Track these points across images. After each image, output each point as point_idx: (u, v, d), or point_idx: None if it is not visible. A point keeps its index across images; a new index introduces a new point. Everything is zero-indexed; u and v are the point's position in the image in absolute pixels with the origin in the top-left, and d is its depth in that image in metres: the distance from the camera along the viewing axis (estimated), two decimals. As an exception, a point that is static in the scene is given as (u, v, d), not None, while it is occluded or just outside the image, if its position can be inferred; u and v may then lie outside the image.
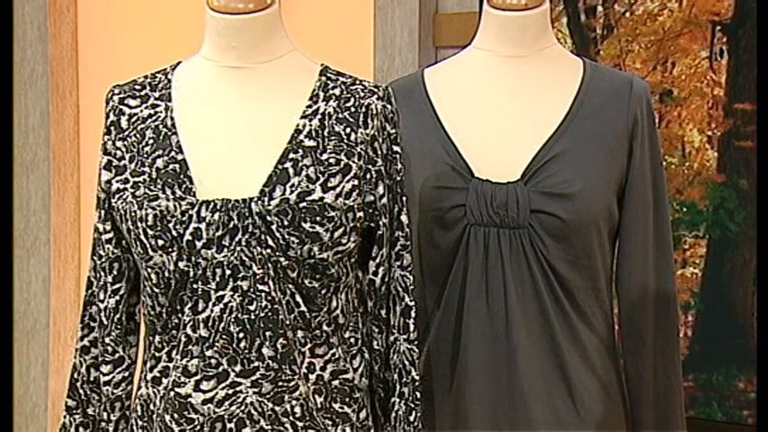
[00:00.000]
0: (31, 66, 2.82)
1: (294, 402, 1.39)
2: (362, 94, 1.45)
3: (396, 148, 1.46)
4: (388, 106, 1.46)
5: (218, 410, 1.37)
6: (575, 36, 2.20)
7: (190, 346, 1.38)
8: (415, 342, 1.47)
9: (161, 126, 1.44)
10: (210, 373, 1.37)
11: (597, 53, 2.17)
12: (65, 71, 2.83)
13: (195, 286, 1.38)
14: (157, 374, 1.43)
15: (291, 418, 1.39)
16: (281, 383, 1.38)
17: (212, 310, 1.37)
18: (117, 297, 1.48)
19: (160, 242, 1.37)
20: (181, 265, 1.37)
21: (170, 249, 1.37)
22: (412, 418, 1.46)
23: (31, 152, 2.84)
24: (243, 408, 1.37)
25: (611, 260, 1.64)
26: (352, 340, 1.46)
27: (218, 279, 1.37)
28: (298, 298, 1.39)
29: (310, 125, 1.43)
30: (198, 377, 1.38)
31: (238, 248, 1.37)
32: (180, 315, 1.40)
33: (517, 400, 1.56)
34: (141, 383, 1.46)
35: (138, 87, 1.49)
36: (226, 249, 1.37)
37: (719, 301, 2.08)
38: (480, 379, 1.57)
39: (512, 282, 1.55)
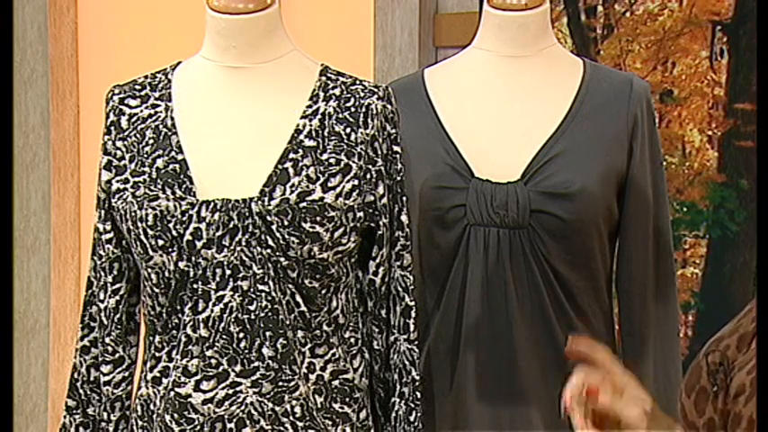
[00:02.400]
0: (31, 66, 2.82)
1: (294, 402, 1.39)
2: (362, 94, 1.45)
3: (396, 148, 1.46)
4: (389, 106, 1.46)
5: (219, 410, 1.37)
6: (575, 36, 2.20)
7: (190, 346, 1.38)
8: (415, 342, 1.47)
9: (161, 126, 1.44)
10: (210, 373, 1.37)
11: (597, 53, 2.16)
12: (65, 71, 2.82)
13: (195, 286, 1.38)
14: (157, 374, 1.42)
15: (291, 418, 1.39)
16: (281, 383, 1.38)
17: (212, 310, 1.37)
18: (117, 297, 1.48)
19: (160, 242, 1.37)
20: (181, 265, 1.38)
21: (170, 249, 1.37)
22: (412, 418, 1.46)
23: (31, 152, 2.84)
24: (243, 408, 1.37)
25: (611, 260, 1.64)
26: (353, 340, 1.46)
27: (218, 279, 1.37)
28: (298, 298, 1.39)
29: (310, 125, 1.42)
30: (198, 377, 1.38)
31: (238, 248, 1.37)
32: (180, 315, 1.40)
33: (517, 400, 1.56)
34: (141, 383, 1.46)
35: (138, 87, 1.49)
36: (226, 249, 1.37)
37: (719, 301, 2.08)
38: (480, 379, 1.57)
39: (512, 282, 1.55)
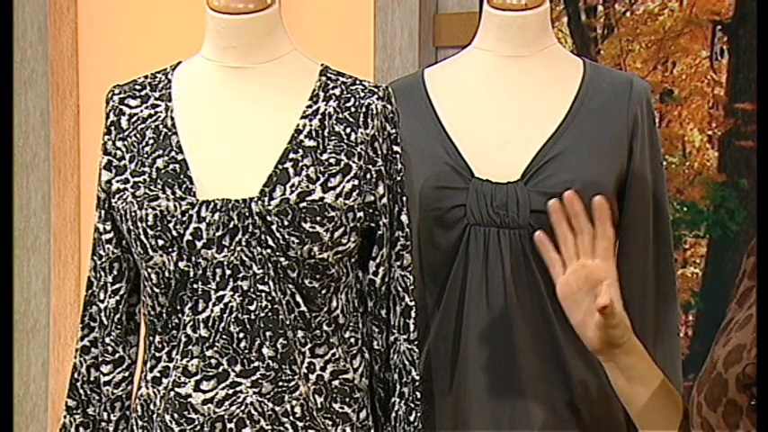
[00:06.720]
0: (31, 66, 2.82)
1: (294, 402, 1.39)
2: (362, 94, 1.45)
3: (396, 148, 1.46)
4: (389, 106, 1.46)
5: (219, 410, 1.37)
6: (575, 36, 2.20)
7: (190, 346, 1.38)
8: (416, 342, 1.47)
9: (161, 126, 1.44)
10: (210, 373, 1.37)
11: (597, 53, 2.17)
12: (65, 71, 2.82)
13: (195, 286, 1.38)
14: (157, 374, 1.42)
15: (291, 418, 1.39)
16: (281, 383, 1.38)
17: (212, 310, 1.37)
18: (117, 297, 1.48)
19: (160, 242, 1.37)
20: (181, 265, 1.38)
21: (170, 249, 1.37)
22: (412, 418, 1.46)
23: (31, 152, 2.84)
24: (243, 408, 1.37)
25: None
26: (353, 340, 1.46)
27: (218, 279, 1.37)
28: (298, 298, 1.39)
29: (310, 125, 1.43)
30: (198, 377, 1.38)
31: (238, 248, 1.37)
32: (180, 315, 1.40)
33: (517, 400, 1.56)
34: (141, 383, 1.46)
35: (138, 87, 1.49)
36: (226, 249, 1.37)
37: (719, 301, 2.08)
38: (480, 379, 1.57)
39: (512, 282, 1.55)
